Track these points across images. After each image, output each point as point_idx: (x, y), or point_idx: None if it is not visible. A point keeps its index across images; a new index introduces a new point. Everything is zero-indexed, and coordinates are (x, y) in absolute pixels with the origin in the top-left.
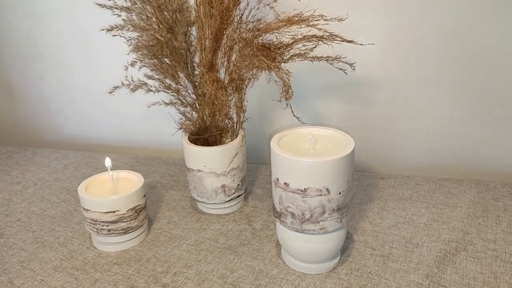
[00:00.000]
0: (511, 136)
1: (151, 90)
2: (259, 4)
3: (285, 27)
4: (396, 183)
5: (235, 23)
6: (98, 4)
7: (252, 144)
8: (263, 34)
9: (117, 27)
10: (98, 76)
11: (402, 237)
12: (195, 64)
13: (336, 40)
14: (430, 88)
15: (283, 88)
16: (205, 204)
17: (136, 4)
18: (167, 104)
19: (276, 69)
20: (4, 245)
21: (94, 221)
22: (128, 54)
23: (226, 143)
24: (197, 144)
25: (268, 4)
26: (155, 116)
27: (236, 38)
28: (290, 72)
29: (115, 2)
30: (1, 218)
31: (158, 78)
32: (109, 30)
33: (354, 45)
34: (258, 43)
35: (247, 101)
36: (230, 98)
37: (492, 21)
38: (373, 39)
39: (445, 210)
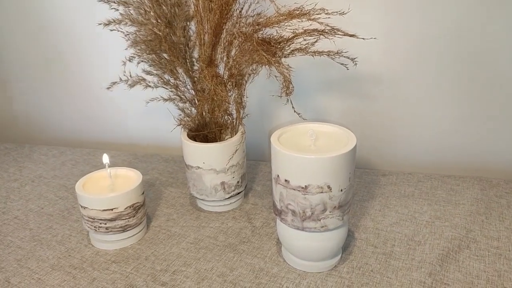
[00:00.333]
0: None
1: (150, 86)
2: None
3: (285, 21)
4: (398, 180)
5: (234, 17)
6: None
7: (252, 141)
8: (263, 29)
9: (114, 21)
10: (96, 72)
11: (404, 235)
12: (194, 59)
13: (338, 34)
14: (432, 84)
15: (284, 84)
16: (205, 202)
17: None
18: (165, 100)
19: (276, 64)
20: (1, 243)
21: (92, 219)
22: (126, 49)
23: (226, 139)
24: (196, 141)
25: None
26: (154, 112)
27: (235, 33)
28: (290, 67)
29: None
30: None
31: (156, 74)
32: (106, 24)
33: (355, 40)
34: (258, 37)
35: (247, 97)
36: (229, 94)
37: (493, 17)
38: (375, 34)
39: (448, 207)
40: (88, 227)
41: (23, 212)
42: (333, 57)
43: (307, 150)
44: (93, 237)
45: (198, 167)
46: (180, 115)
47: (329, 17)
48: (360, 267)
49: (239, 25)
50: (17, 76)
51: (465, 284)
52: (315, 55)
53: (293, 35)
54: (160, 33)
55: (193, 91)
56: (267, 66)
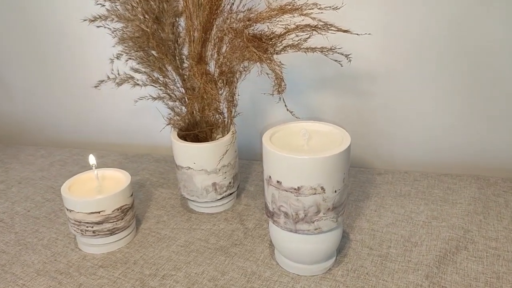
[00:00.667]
0: None
1: (138, 84)
2: None
3: (277, 16)
4: (393, 179)
5: (225, 13)
6: None
7: (244, 140)
8: (254, 24)
9: (100, 17)
10: (85, 70)
11: (400, 236)
12: (183, 57)
13: (331, 29)
14: (429, 80)
15: (276, 81)
16: (196, 203)
17: None
18: (154, 98)
19: (267, 61)
20: None
21: (78, 222)
22: (114, 46)
23: (217, 139)
24: (186, 140)
25: None
26: (145, 111)
27: (225, 29)
28: (282, 64)
29: None
30: None
31: (144, 72)
32: (92, 20)
33: (350, 36)
34: (248, 33)
35: (238, 95)
36: (220, 92)
37: (494, 11)
38: (370, 30)
39: (445, 206)
40: (75, 230)
41: (8, 215)
42: (327, 53)
43: (300, 150)
44: (80, 241)
45: (189, 168)
46: (170, 114)
47: (322, 12)
48: (355, 270)
49: (229, 21)
50: (2, 74)
51: (463, 287)
52: (308, 51)
53: (285, 31)
54: (148, 30)
55: (183, 89)
56: (258, 63)
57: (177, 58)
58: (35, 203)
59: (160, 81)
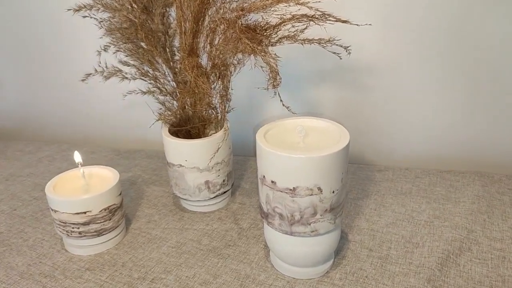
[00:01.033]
0: None
1: (127, 78)
2: None
3: (271, 6)
4: (394, 176)
5: (217, 3)
6: None
7: (239, 136)
8: (248, 14)
9: (85, 7)
10: (74, 63)
11: (401, 236)
12: (174, 49)
13: (329, 20)
14: (431, 74)
15: (271, 75)
16: (188, 202)
17: None
18: (144, 93)
19: (262, 53)
20: None
21: (64, 223)
22: (101, 37)
23: (210, 135)
24: (178, 137)
25: None
26: (138, 105)
27: (217, 20)
28: (278, 57)
29: None
30: None
31: (133, 65)
32: (76, 10)
33: (349, 27)
34: (241, 24)
35: (232, 89)
36: (212, 86)
37: (497, 4)
38: (370, 21)
39: (447, 205)
40: (60, 231)
41: None
42: (325, 45)
43: (296, 148)
44: (66, 242)
45: (180, 165)
46: (161, 109)
47: (319, 1)
48: (353, 272)
49: (222, 11)
50: None
51: None
52: (305, 43)
53: (280, 21)
54: (136, 20)
55: (174, 83)
56: (252, 55)
57: (167, 50)
58: (21, 201)
59: (150, 75)
